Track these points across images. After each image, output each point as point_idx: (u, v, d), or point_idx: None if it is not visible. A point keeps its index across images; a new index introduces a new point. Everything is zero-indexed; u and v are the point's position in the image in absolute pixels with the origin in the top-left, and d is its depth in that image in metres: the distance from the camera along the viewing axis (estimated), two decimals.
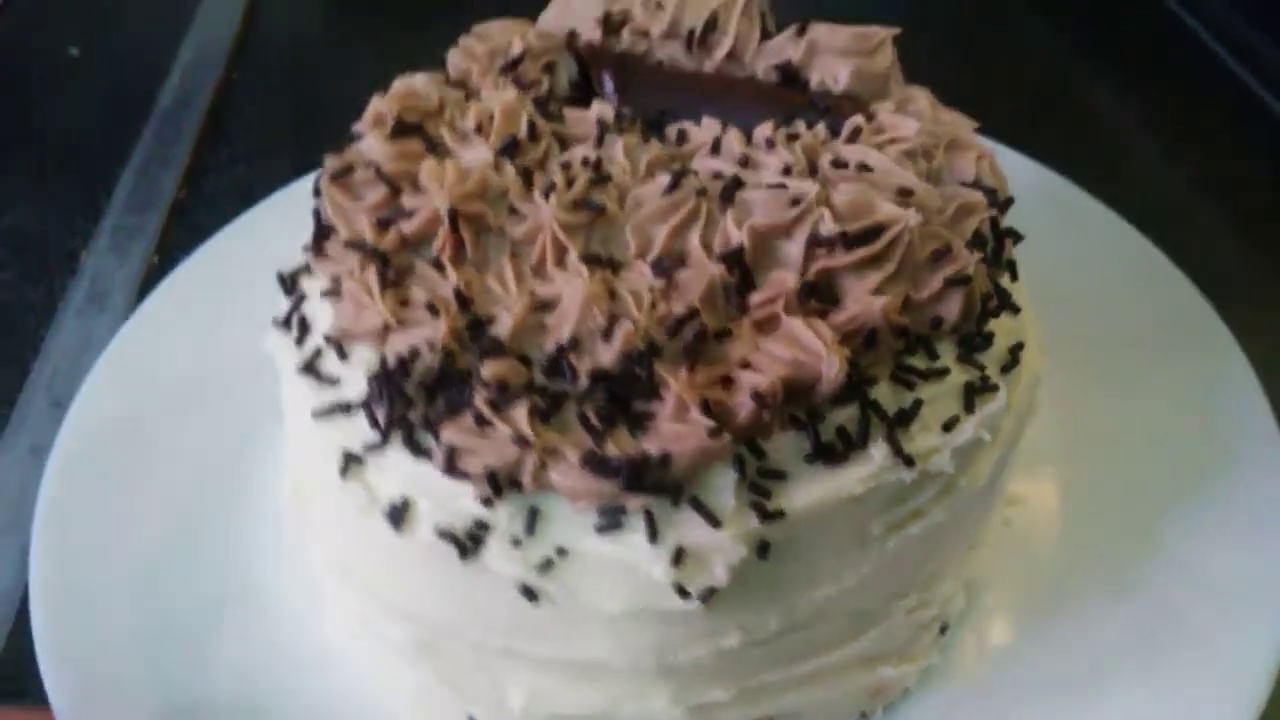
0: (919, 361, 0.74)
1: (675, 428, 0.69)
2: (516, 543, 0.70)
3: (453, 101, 0.87)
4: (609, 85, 0.90)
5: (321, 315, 0.80)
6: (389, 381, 0.72)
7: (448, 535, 0.71)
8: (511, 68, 0.90)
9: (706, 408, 0.69)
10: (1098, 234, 1.12)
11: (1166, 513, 0.92)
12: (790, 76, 0.89)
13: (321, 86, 1.51)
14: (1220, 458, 0.94)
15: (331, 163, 0.82)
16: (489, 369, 0.71)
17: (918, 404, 0.73)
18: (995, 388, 0.76)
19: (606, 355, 0.71)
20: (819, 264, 0.74)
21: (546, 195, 0.77)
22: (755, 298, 0.74)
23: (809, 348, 0.71)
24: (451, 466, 0.69)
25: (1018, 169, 0.97)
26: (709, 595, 0.69)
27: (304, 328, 0.80)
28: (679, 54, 0.92)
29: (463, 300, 0.74)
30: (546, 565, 0.70)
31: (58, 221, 1.34)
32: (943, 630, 0.85)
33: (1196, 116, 1.48)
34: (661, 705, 0.76)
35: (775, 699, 0.78)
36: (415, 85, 0.89)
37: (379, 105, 0.86)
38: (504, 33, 0.93)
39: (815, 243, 0.74)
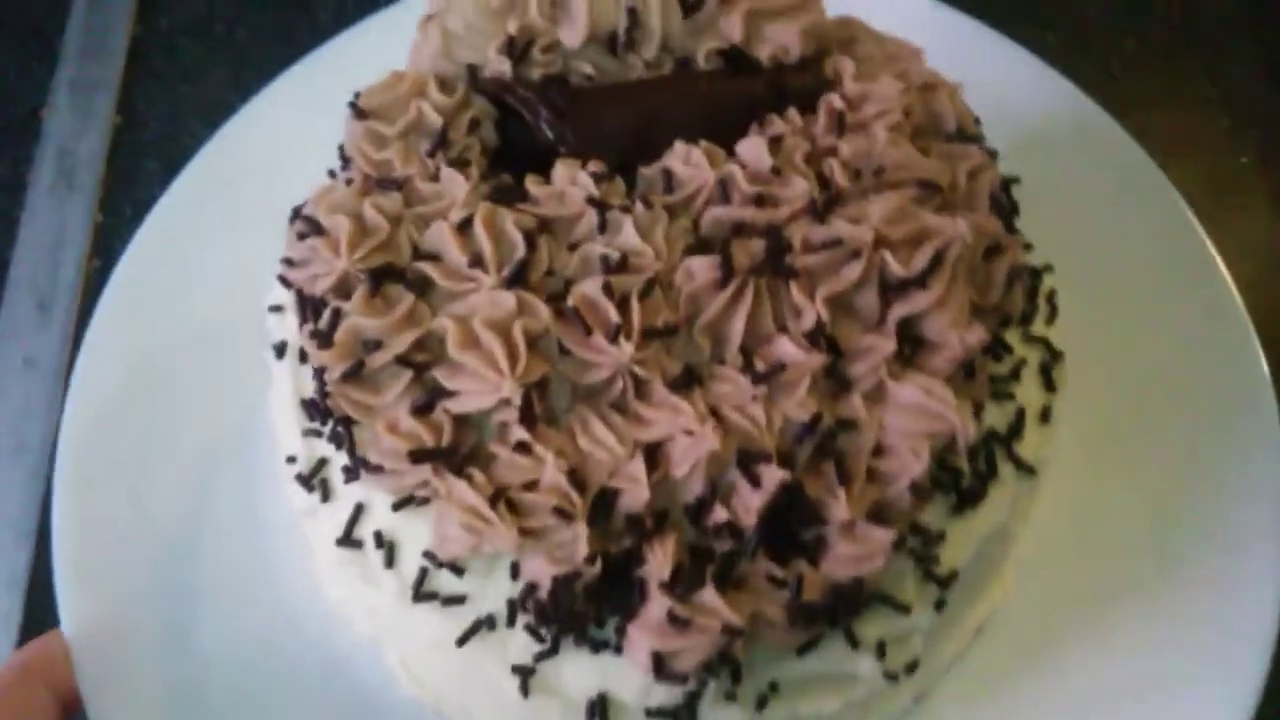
0: (1002, 366, 0.76)
1: (853, 548, 0.69)
2: (730, 697, 0.71)
3: (407, 219, 0.75)
4: (550, 127, 0.79)
5: (400, 529, 0.73)
6: (555, 599, 0.68)
7: (662, 714, 0.71)
8: (441, 146, 0.78)
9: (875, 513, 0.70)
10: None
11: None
12: (738, 61, 0.81)
13: None
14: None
15: (332, 358, 0.71)
16: (662, 556, 0.68)
17: (1020, 412, 0.76)
18: (1060, 353, 0.79)
19: (754, 498, 0.69)
20: (897, 312, 0.72)
21: (611, 336, 0.70)
22: (855, 370, 0.72)
23: (936, 413, 0.71)
24: (661, 670, 0.68)
25: None
26: (914, 668, 0.74)
27: (390, 553, 0.73)
28: (602, 59, 0.81)
29: (577, 480, 0.70)
30: (762, 704, 0.72)
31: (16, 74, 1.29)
32: None
33: None
34: None
35: None
36: (340, 200, 0.76)
37: (332, 258, 0.73)
38: (392, 94, 0.79)
39: (886, 289, 0.72)
